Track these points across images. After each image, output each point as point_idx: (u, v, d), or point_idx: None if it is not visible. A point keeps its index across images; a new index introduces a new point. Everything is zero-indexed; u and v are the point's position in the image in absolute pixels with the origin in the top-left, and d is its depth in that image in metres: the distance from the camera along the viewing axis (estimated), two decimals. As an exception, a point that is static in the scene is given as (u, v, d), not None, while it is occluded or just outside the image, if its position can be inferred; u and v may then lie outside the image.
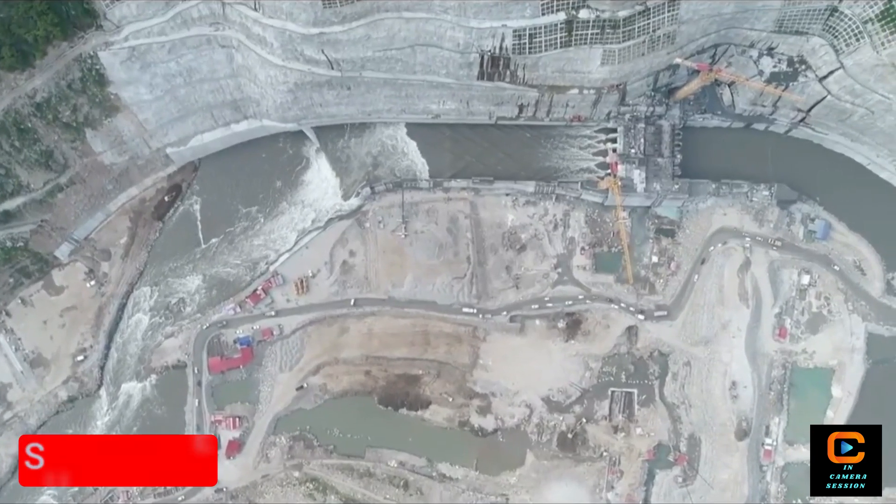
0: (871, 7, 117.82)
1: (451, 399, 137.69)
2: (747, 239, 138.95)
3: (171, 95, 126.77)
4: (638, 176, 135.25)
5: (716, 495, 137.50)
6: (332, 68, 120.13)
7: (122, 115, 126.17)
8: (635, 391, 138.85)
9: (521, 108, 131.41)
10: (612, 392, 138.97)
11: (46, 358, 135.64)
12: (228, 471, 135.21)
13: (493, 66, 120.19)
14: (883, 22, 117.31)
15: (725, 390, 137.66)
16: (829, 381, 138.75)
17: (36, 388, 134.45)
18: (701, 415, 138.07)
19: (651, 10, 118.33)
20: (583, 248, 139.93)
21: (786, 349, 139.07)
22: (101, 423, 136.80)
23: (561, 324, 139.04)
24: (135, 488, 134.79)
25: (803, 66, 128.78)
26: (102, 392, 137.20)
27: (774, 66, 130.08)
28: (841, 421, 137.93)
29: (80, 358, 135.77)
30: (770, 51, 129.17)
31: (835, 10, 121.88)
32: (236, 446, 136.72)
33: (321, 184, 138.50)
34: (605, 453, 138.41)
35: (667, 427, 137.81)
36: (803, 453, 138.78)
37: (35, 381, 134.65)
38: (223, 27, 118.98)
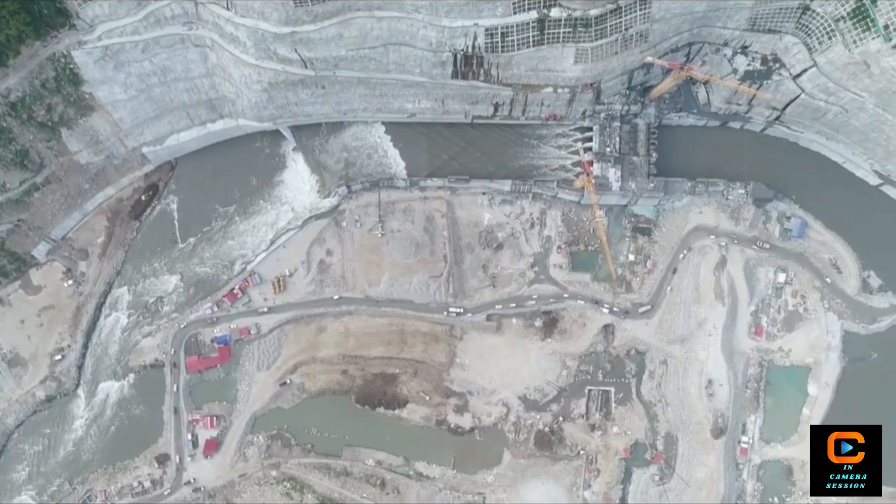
0: (842, 5, 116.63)
1: (428, 398, 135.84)
2: (723, 238, 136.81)
3: (146, 95, 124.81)
4: (613, 174, 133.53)
5: (692, 493, 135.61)
6: (306, 67, 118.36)
7: (97, 114, 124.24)
8: (612, 389, 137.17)
9: (496, 106, 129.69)
10: (589, 390, 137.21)
11: (24, 357, 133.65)
12: (206, 469, 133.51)
13: (467, 64, 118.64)
14: (854, 20, 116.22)
15: (702, 388, 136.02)
16: (805, 379, 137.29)
17: (13, 388, 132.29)
18: (677, 413, 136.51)
19: (623, 9, 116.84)
20: (559, 247, 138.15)
21: (762, 347, 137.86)
22: (78, 422, 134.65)
23: (538, 322, 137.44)
24: (112, 487, 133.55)
25: (777, 65, 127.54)
26: (80, 391, 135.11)
27: (748, 65, 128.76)
28: (817, 419, 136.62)
29: (57, 357, 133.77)
30: (744, 49, 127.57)
31: (807, 8, 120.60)
32: (214, 445, 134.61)
33: (298, 183, 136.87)
34: (581, 452, 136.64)
35: (643, 425, 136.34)
36: (780, 451, 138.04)
37: (13, 381, 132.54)
38: (196, 26, 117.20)
